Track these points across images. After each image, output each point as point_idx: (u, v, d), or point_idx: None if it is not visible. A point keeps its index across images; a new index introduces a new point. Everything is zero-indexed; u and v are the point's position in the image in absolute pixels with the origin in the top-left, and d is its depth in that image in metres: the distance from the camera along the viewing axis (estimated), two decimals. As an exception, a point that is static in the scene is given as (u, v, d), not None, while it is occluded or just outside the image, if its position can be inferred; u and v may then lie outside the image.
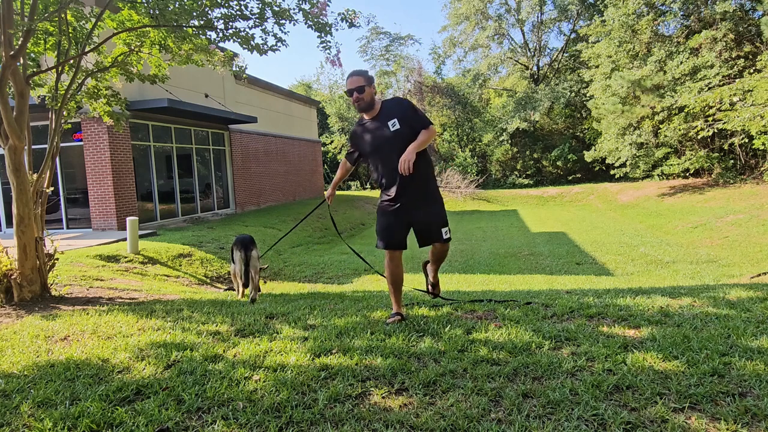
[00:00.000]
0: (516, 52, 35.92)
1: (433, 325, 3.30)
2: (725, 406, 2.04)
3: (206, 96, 16.43)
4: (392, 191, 3.40)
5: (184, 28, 5.28)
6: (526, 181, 31.79)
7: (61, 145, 10.35)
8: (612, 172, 25.02)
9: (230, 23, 5.28)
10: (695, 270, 9.47)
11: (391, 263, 3.49)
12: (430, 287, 4.18)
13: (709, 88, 19.02)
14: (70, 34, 5.54)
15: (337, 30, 6.33)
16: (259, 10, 5.21)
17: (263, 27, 5.32)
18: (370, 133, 3.47)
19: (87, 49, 5.70)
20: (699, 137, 20.24)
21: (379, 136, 3.42)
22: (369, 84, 3.41)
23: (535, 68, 35.02)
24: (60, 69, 5.63)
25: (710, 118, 18.84)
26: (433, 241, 3.49)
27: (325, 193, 4.05)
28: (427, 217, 3.44)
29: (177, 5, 5.04)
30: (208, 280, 9.28)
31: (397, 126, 3.36)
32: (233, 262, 5.41)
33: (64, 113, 5.80)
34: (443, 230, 3.45)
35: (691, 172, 22.87)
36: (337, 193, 30.28)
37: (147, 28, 5.63)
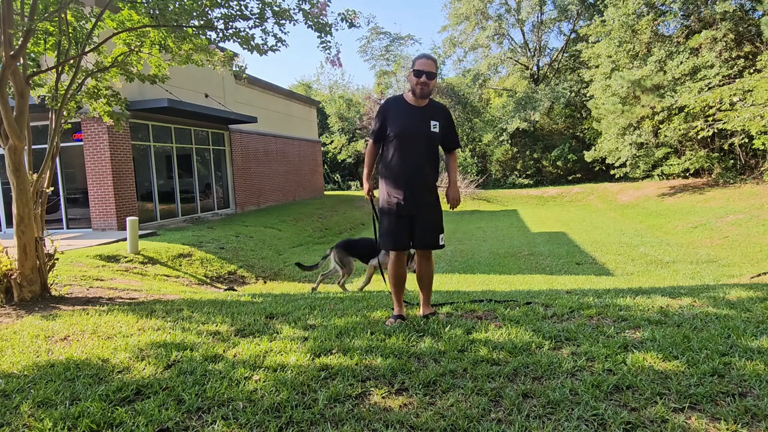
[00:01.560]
0: (516, 52, 35.92)
1: (433, 325, 3.30)
2: (725, 406, 2.04)
3: (206, 96, 16.43)
4: (399, 189, 3.35)
5: (184, 28, 5.28)
6: (526, 181, 31.77)
7: (61, 145, 10.34)
8: (612, 172, 25.01)
9: (230, 23, 5.28)
10: (695, 270, 9.47)
11: (396, 263, 3.49)
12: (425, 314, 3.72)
13: (709, 88, 19.01)
14: (70, 34, 5.54)
15: (337, 30, 6.34)
16: (259, 10, 5.21)
17: (263, 27, 5.32)
18: (409, 115, 3.36)
19: (87, 49, 5.70)
20: (699, 137, 20.24)
21: (417, 125, 3.35)
22: (437, 75, 3.38)
23: (535, 68, 35.02)
24: (60, 69, 5.63)
25: (710, 118, 18.84)
26: (429, 247, 3.48)
27: (364, 193, 3.72)
28: (428, 223, 3.43)
29: (177, 5, 5.04)
30: (208, 280, 9.28)
31: (437, 129, 3.37)
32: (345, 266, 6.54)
33: (64, 113, 5.80)
34: (440, 236, 3.48)
35: (691, 172, 22.87)
36: (337, 193, 30.28)
37: (147, 28, 5.63)
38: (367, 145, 3.63)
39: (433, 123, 3.37)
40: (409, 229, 3.40)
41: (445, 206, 3.57)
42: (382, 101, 3.49)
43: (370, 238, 6.43)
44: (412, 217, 3.38)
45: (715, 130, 18.87)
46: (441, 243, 3.47)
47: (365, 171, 3.63)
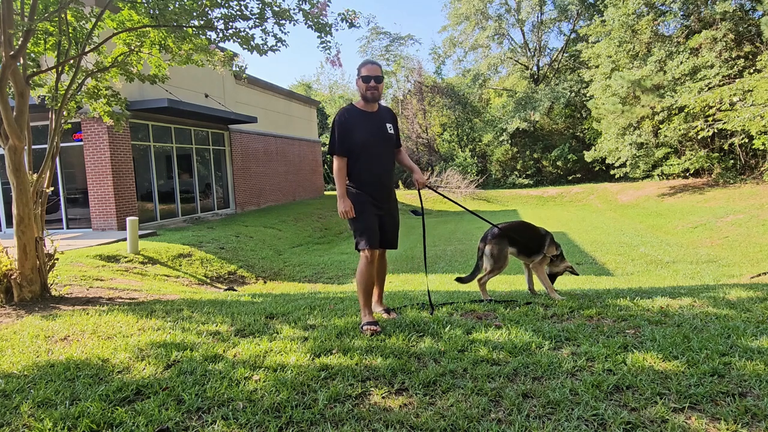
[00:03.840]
0: (516, 52, 35.92)
1: (433, 325, 3.30)
2: (725, 406, 2.04)
3: (206, 96, 16.43)
4: (374, 192, 3.42)
5: (184, 28, 5.28)
6: (526, 181, 31.76)
7: (61, 145, 10.35)
8: (612, 172, 25.01)
9: (230, 23, 5.28)
10: (695, 270, 9.47)
11: (372, 265, 3.37)
12: (386, 315, 3.66)
13: (709, 88, 19.01)
14: (70, 34, 5.54)
15: (337, 30, 6.34)
16: (259, 11, 5.21)
17: (263, 27, 5.32)
18: (368, 123, 3.43)
19: (87, 49, 5.70)
20: (699, 137, 20.24)
21: (378, 132, 3.46)
22: (384, 78, 3.50)
23: (535, 68, 35.02)
24: (60, 69, 5.63)
25: (710, 118, 18.84)
26: (395, 245, 3.63)
27: (342, 209, 3.37)
28: (395, 223, 3.60)
29: (177, 5, 5.04)
30: (208, 280, 9.29)
31: (392, 131, 3.55)
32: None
33: (64, 113, 5.80)
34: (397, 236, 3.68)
35: (691, 172, 22.86)
36: (333, 192, 30.21)
37: (147, 28, 5.63)
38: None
39: (388, 126, 3.52)
40: (380, 229, 3.49)
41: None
42: (336, 115, 3.48)
43: (525, 221, 4.76)
44: (382, 218, 3.48)
45: (715, 130, 18.87)
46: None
47: (341, 189, 3.38)
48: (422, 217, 3.94)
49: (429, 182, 3.56)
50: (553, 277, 4.44)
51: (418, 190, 3.65)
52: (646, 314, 3.38)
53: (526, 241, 4.24)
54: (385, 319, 3.57)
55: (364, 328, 3.25)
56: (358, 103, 3.49)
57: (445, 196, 4.41)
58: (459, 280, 4.24)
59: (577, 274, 4.86)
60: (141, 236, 10.70)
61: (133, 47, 6.00)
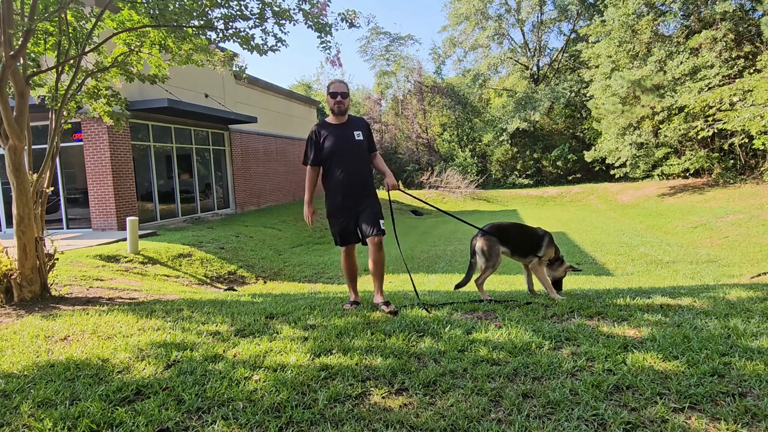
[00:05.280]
0: (516, 52, 35.91)
1: (433, 325, 3.30)
2: (725, 406, 2.04)
3: (206, 96, 16.43)
4: (344, 192, 3.86)
5: (184, 28, 5.28)
6: (526, 181, 31.76)
7: (61, 145, 10.34)
8: (612, 172, 25.01)
9: (230, 23, 5.28)
10: (695, 270, 9.47)
11: (347, 258, 4.02)
12: (385, 308, 3.80)
13: (709, 88, 19.01)
14: (70, 34, 5.53)
15: (337, 30, 6.35)
16: (259, 11, 5.21)
17: (263, 27, 5.32)
18: (336, 135, 3.89)
19: (87, 49, 5.70)
20: (699, 137, 20.24)
21: (346, 141, 3.89)
22: (349, 94, 4.04)
23: (535, 68, 35.02)
24: (60, 69, 5.63)
25: (710, 118, 18.84)
26: (375, 233, 3.81)
27: (305, 213, 4.08)
28: (370, 213, 3.86)
29: (177, 5, 5.04)
30: (208, 280, 9.29)
31: (361, 137, 3.96)
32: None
33: (64, 113, 5.80)
34: (380, 221, 3.88)
35: (691, 172, 22.87)
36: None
37: (147, 28, 5.63)
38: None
39: (356, 133, 3.94)
40: (356, 226, 3.90)
41: (385, 195, 4.19)
42: (313, 129, 4.06)
43: (520, 222, 4.85)
44: (357, 214, 3.87)
45: (715, 130, 18.87)
46: (382, 227, 3.87)
47: (307, 196, 3.98)
48: (392, 218, 4.26)
49: (398, 186, 4.09)
50: (557, 283, 4.36)
51: (388, 192, 4.03)
52: (646, 314, 3.39)
53: (519, 241, 4.29)
54: (384, 315, 3.62)
55: (344, 305, 4.05)
56: (330, 117, 4.01)
57: (416, 198, 4.84)
58: (457, 286, 4.33)
59: (580, 270, 4.90)
60: (141, 236, 10.70)
61: (133, 47, 5.99)
